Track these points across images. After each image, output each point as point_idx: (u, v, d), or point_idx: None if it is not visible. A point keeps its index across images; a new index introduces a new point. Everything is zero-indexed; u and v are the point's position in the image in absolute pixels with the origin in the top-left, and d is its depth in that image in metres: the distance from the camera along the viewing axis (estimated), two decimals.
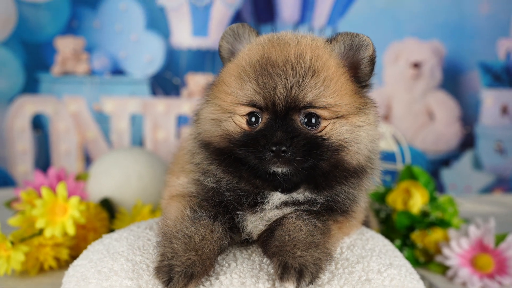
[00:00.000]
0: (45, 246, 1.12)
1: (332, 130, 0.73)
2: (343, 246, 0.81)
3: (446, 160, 1.90)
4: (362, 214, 0.85)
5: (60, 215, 1.09)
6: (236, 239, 0.77)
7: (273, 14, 1.83)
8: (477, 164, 1.89)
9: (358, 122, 0.75)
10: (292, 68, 0.71)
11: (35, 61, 1.80)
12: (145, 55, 1.82)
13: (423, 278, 1.11)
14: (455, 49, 1.84)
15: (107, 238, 0.90)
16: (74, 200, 1.08)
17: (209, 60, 1.88)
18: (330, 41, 0.78)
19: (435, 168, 1.88)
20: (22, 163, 1.79)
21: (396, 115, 1.86)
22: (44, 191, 1.08)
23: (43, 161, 1.82)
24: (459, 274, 1.10)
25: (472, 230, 1.13)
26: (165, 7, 1.78)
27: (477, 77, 1.86)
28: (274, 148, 0.69)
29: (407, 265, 0.86)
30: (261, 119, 0.73)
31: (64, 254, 1.15)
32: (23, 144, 1.78)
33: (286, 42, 0.76)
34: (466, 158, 1.89)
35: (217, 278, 0.72)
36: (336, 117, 0.73)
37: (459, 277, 1.10)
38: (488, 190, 1.89)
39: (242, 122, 0.74)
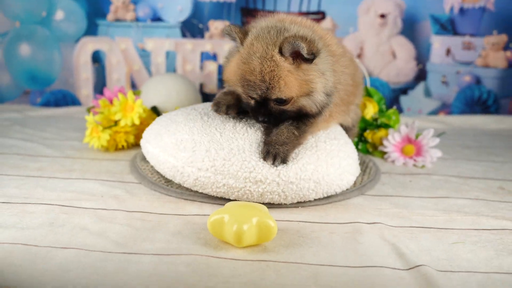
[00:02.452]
0: (119, 132, 1.38)
1: (294, 102, 0.98)
2: None
3: (405, 89, 2.02)
4: (329, 115, 1.08)
5: (130, 111, 1.34)
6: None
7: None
8: (427, 93, 2.02)
9: (308, 96, 0.98)
10: (259, 86, 0.95)
11: (95, 10, 1.94)
12: (177, 6, 1.93)
13: (369, 160, 1.35)
14: (412, 4, 1.94)
15: (168, 114, 1.14)
16: (139, 101, 1.33)
17: (226, 10, 1.95)
18: (280, 50, 0.94)
19: (396, 95, 2.02)
20: (85, 88, 1.99)
21: (367, 55, 1.99)
22: (120, 95, 1.33)
23: (100, 87, 2.01)
24: (391, 156, 1.37)
25: (403, 128, 1.38)
26: None
27: (429, 26, 1.96)
28: (260, 119, 0.99)
29: (347, 139, 1.12)
30: (250, 99, 1.00)
31: (131, 139, 1.40)
32: (86, 74, 1.97)
33: (254, 65, 0.94)
34: (419, 88, 2.02)
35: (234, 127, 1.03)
36: (294, 96, 0.97)
37: (391, 157, 1.38)
38: (435, 112, 2.03)
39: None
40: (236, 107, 1.07)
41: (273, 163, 0.97)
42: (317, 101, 0.99)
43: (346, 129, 1.26)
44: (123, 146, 1.40)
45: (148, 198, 1.05)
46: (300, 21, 1.07)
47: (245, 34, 0.99)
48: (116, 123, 1.35)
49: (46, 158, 1.32)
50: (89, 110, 1.50)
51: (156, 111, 1.59)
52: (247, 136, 1.02)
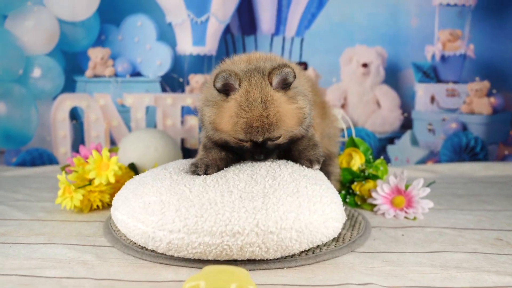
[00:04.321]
0: (93, 192, 1.31)
1: (286, 135, 1.03)
2: (285, 173, 1.01)
3: (391, 139, 2.01)
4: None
5: (105, 169, 1.28)
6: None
7: (255, 27, 1.94)
8: (414, 141, 2.01)
9: (299, 127, 1.04)
10: (267, 130, 0.99)
11: (73, 67, 1.93)
12: (157, 61, 1.93)
13: (358, 213, 1.29)
14: (394, 53, 1.96)
15: (138, 176, 1.11)
16: (114, 158, 1.27)
17: (206, 63, 1.95)
18: (270, 80, 1.00)
19: (382, 145, 2.00)
20: (63, 146, 1.94)
21: (350, 104, 1.99)
22: (94, 153, 1.27)
23: (78, 144, 1.87)
24: (381, 208, 1.31)
25: (391, 179, 1.32)
26: (172, 23, 1.91)
27: (412, 74, 1.98)
28: (257, 158, 1.03)
29: (328, 184, 1.06)
30: (248, 142, 1.02)
31: (106, 198, 1.34)
32: (63, 131, 1.93)
33: (260, 110, 0.98)
34: (406, 137, 2.01)
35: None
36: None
37: (380, 210, 1.31)
38: (423, 161, 2.01)
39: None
40: (217, 165, 1.05)
41: (311, 166, 1.07)
42: (303, 125, 1.05)
43: (330, 157, 1.28)
44: (98, 206, 1.34)
45: (120, 263, 0.98)
46: (268, 56, 1.12)
47: (240, 80, 1.00)
48: (90, 182, 1.31)
49: (13, 221, 1.25)
50: (63, 169, 1.47)
51: (133, 168, 1.54)
52: (218, 187, 0.97)
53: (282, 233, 0.92)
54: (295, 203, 0.95)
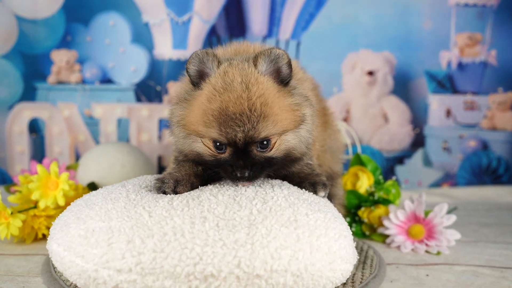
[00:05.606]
0: (39, 217, 1.19)
1: (280, 144, 0.88)
2: (280, 195, 0.88)
3: (400, 158, 1.93)
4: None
5: (53, 189, 1.16)
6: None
7: (244, 29, 1.87)
8: (427, 162, 1.92)
9: (297, 129, 0.90)
10: (248, 118, 0.84)
11: (33, 72, 1.84)
12: (131, 66, 1.86)
13: (368, 246, 1.18)
14: (404, 59, 1.88)
15: (87, 195, 0.99)
16: (64, 175, 1.15)
17: (177, 83, 1.89)
18: (255, 63, 0.88)
19: (390, 165, 1.91)
20: (20, 163, 1.83)
21: (354, 118, 1.90)
22: (39, 168, 1.15)
23: (38, 162, 1.74)
24: (395, 240, 1.18)
25: (407, 203, 1.21)
26: (149, 23, 1.84)
27: (424, 84, 1.90)
28: (239, 175, 0.86)
29: (335, 212, 0.94)
30: (225, 148, 0.87)
31: None
32: (21, 146, 1.83)
33: (238, 91, 0.85)
34: (418, 156, 1.92)
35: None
36: (282, 133, 0.88)
37: (395, 242, 1.18)
38: (437, 184, 1.92)
39: (210, 145, 0.88)
40: (190, 182, 0.93)
41: (315, 192, 0.95)
42: (303, 137, 0.91)
43: (332, 177, 1.18)
44: (44, 235, 1.20)
45: None
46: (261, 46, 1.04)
47: (219, 62, 0.90)
48: (36, 205, 1.18)
49: None
50: (7, 189, 1.41)
51: (94, 189, 1.33)
52: (187, 212, 0.84)
53: (274, 277, 0.78)
54: (291, 236, 0.81)
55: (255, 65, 0.88)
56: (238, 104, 0.84)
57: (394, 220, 1.22)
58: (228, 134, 0.85)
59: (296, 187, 0.96)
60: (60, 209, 1.18)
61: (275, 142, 0.88)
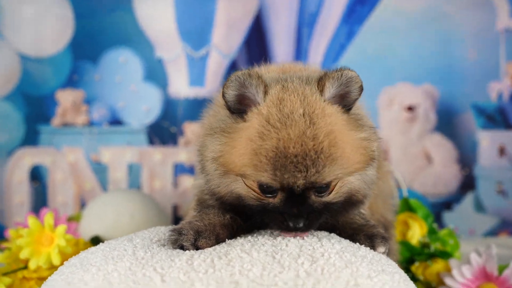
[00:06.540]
0: (29, 279, 1.08)
1: (342, 186, 0.78)
2: (331, 252, 0.77)
3: (448, 203, 1.85)
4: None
5: (46, 245, 1.06)
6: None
7: (268, 61, 1.84)
8: (479, 207, 1.83)
9: (364, 175, 0.80)
10: (313, 162, 0.73)
11: (36, 114, 1.81)
12: (143, 105, 1.83)
13: None
14: (447, 92, 1.84)
15: (84, 253, 0.89)
16: (61, 228, 1.05)
17: (206, 109, 1.87)
18: (321, 88, 0.78)
19: (437, 211, 1.79)
20: (19, 215, 1.76)
21: (393, 159, 1.85)
22: (30, 220, 1.05)
23: (37, 213, 1.72)
24: None
25: (474, 257, 1.08)
26: (163, 59, 1.82)
27: (472, 119, 1.84)
28: (292, 225, 0.75)
29: (402, 273, 0.81)
30: (276, 192, 0.76)
31: None
32: (20, 196, 1.78)
33: (301, 127, 0.74)
34: (468, 200, 1.84)
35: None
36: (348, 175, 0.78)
37: None
38: (493, 233, 1.81)
39: (254, 186, 0.76)
40: (216, 233, 0.80)
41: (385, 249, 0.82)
42: (368, 176, 0.81)
43: (386, 226, 1.06)
44: None
45: None
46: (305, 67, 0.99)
47: (265, 86, 0.78)
48: (27, 265, 1.08)
49: None
50: None
51: (98, 243, 1.26)
52: (212, 274, 0.72)
53: None
54: None
55: (321, 91, 0.77)
56: (301, 144, 0.73)
57: (459, 278, 1.08)
58: (284, 180, 0.74)
59: (347, 241, 0.83)
60: (54, 269, 1.03)
61: (336, 184, 0.77)
